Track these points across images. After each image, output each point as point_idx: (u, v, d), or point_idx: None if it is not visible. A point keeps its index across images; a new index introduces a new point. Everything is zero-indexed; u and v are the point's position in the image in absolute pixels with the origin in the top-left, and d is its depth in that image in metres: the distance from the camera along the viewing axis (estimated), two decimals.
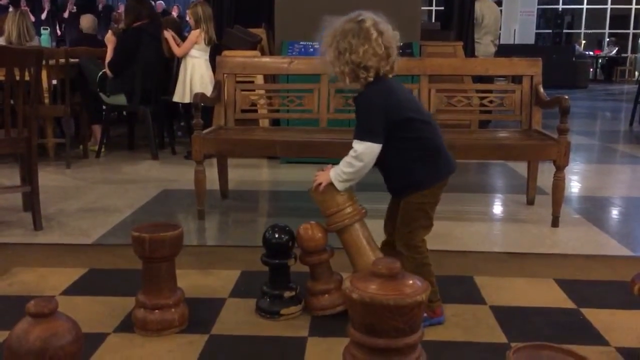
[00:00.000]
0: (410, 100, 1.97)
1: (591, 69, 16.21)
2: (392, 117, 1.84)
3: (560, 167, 3.04)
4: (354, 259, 1.95)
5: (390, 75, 1.89)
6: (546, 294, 2.27)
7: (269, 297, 2.03)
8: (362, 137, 1.85)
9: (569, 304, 2.18)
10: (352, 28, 1.83)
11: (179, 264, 2.01)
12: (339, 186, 1.91)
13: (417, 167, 1.89)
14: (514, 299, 2.21)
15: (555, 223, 3.14)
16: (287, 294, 2.03)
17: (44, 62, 3.74)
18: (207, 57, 4.94)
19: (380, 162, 1.92)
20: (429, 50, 5.40)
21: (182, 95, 4.91)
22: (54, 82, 4.72)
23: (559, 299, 2.22)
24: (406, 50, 4.67)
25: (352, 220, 1.93)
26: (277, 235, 2.03)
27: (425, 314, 1.91)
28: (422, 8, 6.85)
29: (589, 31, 18.84)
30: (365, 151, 1.85)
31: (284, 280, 2.05)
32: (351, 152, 1.87)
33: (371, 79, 1.84)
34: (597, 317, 2.06)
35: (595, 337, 1.93)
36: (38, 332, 1.32)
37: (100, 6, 14.09)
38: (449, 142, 3.14)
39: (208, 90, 4.06)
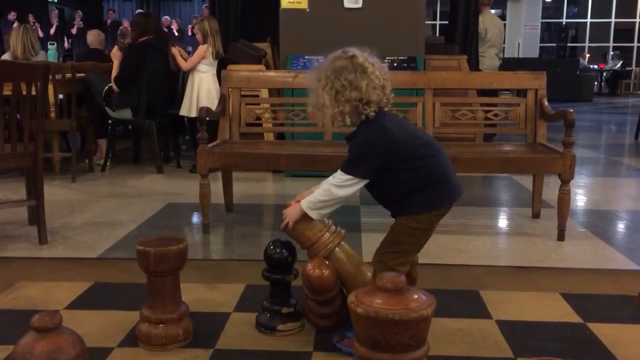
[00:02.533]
0: (415, 131, 1.91)
1: (596, 83, 16.21)
2: (403, 152, 1.76)
3: (565, 181, 3.04)
4: (344, 281, 1.87)
5: (386, 108, 1.82)
6: (552, 308, 2.25)
7: (268, 312, 2.03)
8: (351, 171, 1.77)
9: (576, 318, 2.16)
10: (345, 65, 1.75)
11: (184, 277, 2.01)
12: (314, 215, 1.81)
13: (418, 193, 1.80)
14: (520, 314, 2.20)
15: (561, 237, 3.13)
16: (285, 309, 2.01)
17: (50, 77, 3.77)
18: (215, 72, 4.98)
19: (378, 191, 1.86)
20: (433, 63, 5.41)
21: (188, 109, 4.95)
22: (60, 96, 4.75)
23: (565, 313, 2.21)
24: (410, 64, 4.69)
25: (333, 245, 1.84)
26: (278, 250, 2.01)
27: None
28: (426, 22, 6.88)
29: (594, 44, 18.88)
30: (350, 184, 1.76)
31: (284, 295, 2.04)
32: (332, 180, 1.79)
33: (373, 114, 1.75)
34: (603, 331, 2.04)
35: (602, 352, 1.91)
36: (42, 347, 1.32)
37: (108, 21, 14.26)
38: (453, 155, 3.15)
39: (215, 105, 4.08)
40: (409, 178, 1.79)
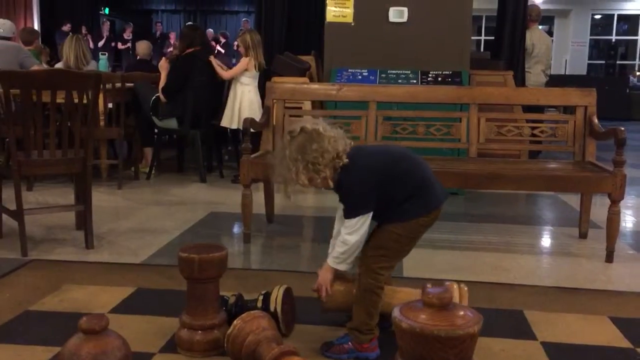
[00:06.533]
0: (386, 150, 2.00)
1: None
2: (388, 174, 1.84)
3: (615, 201, 2.95)
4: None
5: (349, 148, 1.86)
6: (600, 332, 2.18)
7: None
8: (355, 213, 1.84)
9: (625, 343, 2.09)
10: (303, 139, 1.82)
11: (224, 286, 2.02)
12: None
13: (404, 202, 1.86)
14: (566, 336, 2.13)
15: (609, 258, 3.03)
16: None
17: (101, 86, 3.87)
18: (256, 84, 5.04)
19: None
20: (478, 79, 5.35)
21: (230, 120, 5.01)
22: (110, 105, 4.88)
23: (614, 338, 2.13)
24: (455, 79, 4.65)
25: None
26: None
27: (351, 345, 1.89)
28: (472, 38, 6.82)
29: None
30: (359, 225, 1.84)
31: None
32: (344, 231, 1.87)
33: (347, 160, 1.83)
34: None
35: None
36: (89, 348, 1.34)
37: (157, 33, 14.62)
38: (497, 172, 3.11)
39: (256, 117, 4.12)
40: (397, 192, 1.86)
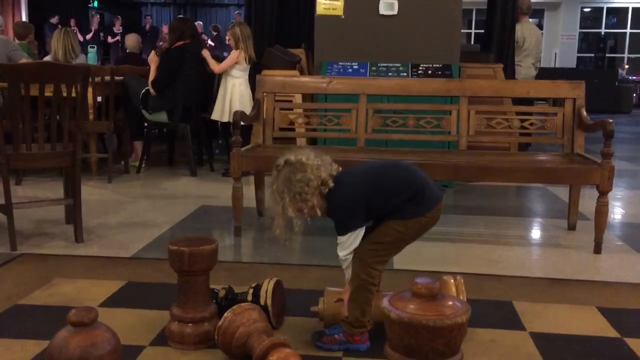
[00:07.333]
0: (370, 165, 2.02)
1: (635, 94, 15.84)
2: (376, 190, 1.87)
3: (603, 192, 2.97)
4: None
5: (335, 172, 1.89)
6: (588, 322, 2.20)
7: None
8: (346, 230, 1.87)
9: (613, 333, 2.11)
10: (288, 171, 1.86)
11: (214, 279, 2.02)
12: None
13: (404, 205, 1.86)
14: (554, 326, 2.15)
15: (597, 249, 3.06)
16: None
17: (90, 79, 3.84)
18: (247, 77, 5.03)
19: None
20: (468, 72, 5.36)
21: (220, 113, 5.00)
22: (99, 98, 4.85)
23: (602, 328, 2.15)
24: (445, 71, 4.65)
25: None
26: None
27: (342, 336, 1.91)
28: (462, 31, 6.83)
29: (633, 55, 18.45)
30: (352, 238, 1.86)
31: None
32: (339, 248, 1.89)
33: (332, 184, 1.85)
34: None
35: None
36: (78, 341, 1.34)
37: (147, 26, 14.53)
38: (487, 164, 3.12)
39: (247, 110, 4.11)
40: (389, 203, 1.87)
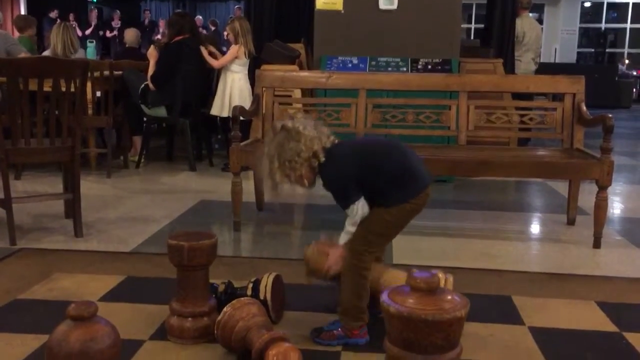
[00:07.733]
0: (365, 141, 2.04)
1: (634, 89, 15.83)
2: (367, 163, 1.88)
3: (603, 187, 2.97)
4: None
5: (329, 144, 1.90)
6: (587, 317, 2.21)
7: None
8: (348, 202, 1.87)
9: (611, 328, 2.11)
10: (282, 137, 1.87)
11: (214, 274, 2.02)
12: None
13: (390, 189, 1.87)
14: (553, 321, 2.16)
15: (596, 244, 3.06)
16: None
17: (88, 74, 3.84)
18: (246, 72, 5.02)
19: None
20: (468, 67, 5.35)
21: (220, 108, 4.99)
22: (98, 93, 4.84)
23: (600, 322, 2.16)
24: (445, 66, 4.65)
25: None
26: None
27: (340, 331, 1.91)
28: (462, 25, 6.81)
29: (633, 50, 18.43)
30: (356, 210, 1.87)
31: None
32: (348, 219, 1.91)
33: (324, 159, 1.86)
34: None
35: None
36: (77, 335, 1.34)
37: (146, 21, 14.49)
38: (487, 159, 3.12)
39: (246, 104, 4.11)
40: (378, 179, 1.87)
